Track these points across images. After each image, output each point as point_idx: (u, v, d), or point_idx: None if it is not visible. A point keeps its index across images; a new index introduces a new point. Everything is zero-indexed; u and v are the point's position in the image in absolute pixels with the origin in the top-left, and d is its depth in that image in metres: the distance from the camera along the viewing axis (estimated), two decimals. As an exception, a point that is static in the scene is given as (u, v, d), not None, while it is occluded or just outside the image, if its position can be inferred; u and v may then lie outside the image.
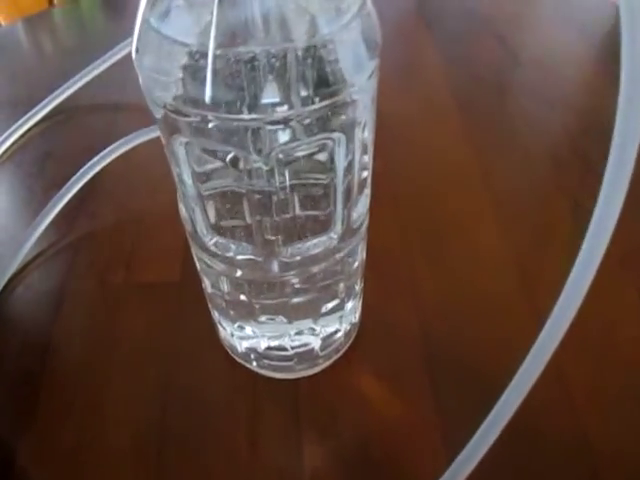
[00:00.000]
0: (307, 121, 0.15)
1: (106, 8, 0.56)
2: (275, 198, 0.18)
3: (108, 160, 0.36)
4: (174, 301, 0.30)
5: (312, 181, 0.19)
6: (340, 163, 0.18)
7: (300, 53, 0.14)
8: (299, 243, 0.20)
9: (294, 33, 0.14)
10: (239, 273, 0.21)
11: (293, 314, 0.23)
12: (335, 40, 0.15)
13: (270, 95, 0.14)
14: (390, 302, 0.29)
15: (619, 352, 0.27)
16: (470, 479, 0.18)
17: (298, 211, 0.19)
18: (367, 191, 0.22)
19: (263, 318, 0.23)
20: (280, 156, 0.16)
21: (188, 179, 0.19)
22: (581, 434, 0.24)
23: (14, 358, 0.28)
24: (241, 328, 0.24)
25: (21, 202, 0.36)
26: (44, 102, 0.40)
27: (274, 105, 0.14)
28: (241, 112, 0.14)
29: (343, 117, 0.16)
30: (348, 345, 0.27)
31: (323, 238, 0.20)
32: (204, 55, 0.14)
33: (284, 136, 0.15)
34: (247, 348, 0.25)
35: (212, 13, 0.13)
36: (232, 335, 0.25)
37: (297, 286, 0.22)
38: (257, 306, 0.22)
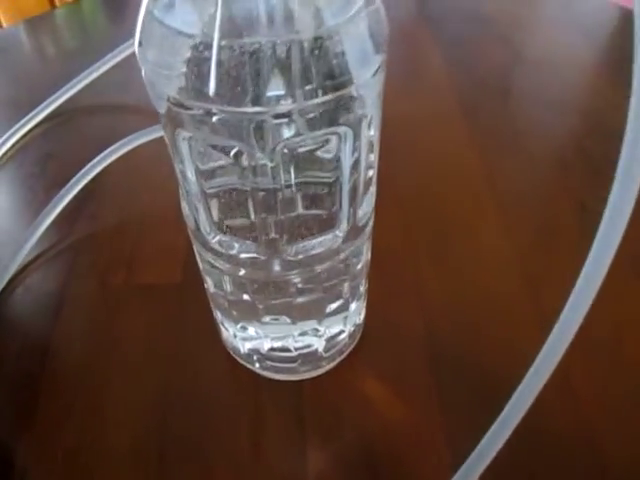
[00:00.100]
0: (311, 115, 0.15)
1: (107, 10, 0.56)
2: (280, 196, 0.18)
3: (109, 161, 0.36)
4: (175, 302, 0.29)
5: (318, 179, 0.19)
6: (346, 160, 0.18)
7: (305, 45, 0.14)
8: (304, 241, 0.19)
9: (299, 25, 0.14)
10: (242, 272, 0.20)
11: (297, 315, 0.22)
12: (341, 33, 0.14)
13: (274, 88, 0.14)
14: (394, 303, 0.29)
15: (627, 354, 0.27)
16: (477, 482, 0.17)
17: (303, 210, 0.19)
18: (373, 189, 0.21)
19: (267, 319, 0.22)
20: (285, 151, 0.16)
21: (192, 176, 0.18)
22: (589, 437, 0.24)
23: (14, 360, 0.27)
24: (244, 329, 0.24)
25: (22, 202, 0.36)
26: (45, 103, 0.40)
27: (278, 98, 0.14)
28: (245, 105, 0.14)
29: (348, 112, 0.16)
30: (352, 347, 0.27)
31: (328, 236, 0.20)
32: (208, 46, 0.13)
33: (289, 130, 0.15)
34: (250, 349, 0.25)
35: (217, 4, 0.13)
36: (235, 336, 0.25)
37: (301, 286, 0.21)
38: (260, 306, 0.22)
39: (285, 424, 0.25)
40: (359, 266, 0.23)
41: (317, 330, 0.24)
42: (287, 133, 0.15)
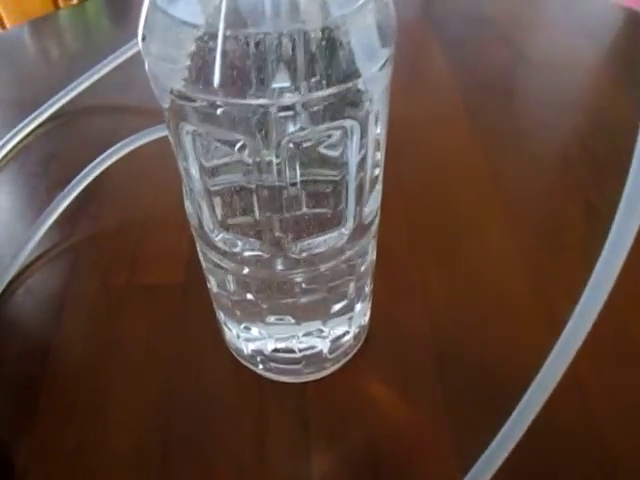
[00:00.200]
0: (316, 108, 0.14)
1: (111, 12, 0.56)
2: (285, 194, 0.18)
3: (111, 161, 0.35)
4: (178, 303, 0.29)
5: (324, 177, 0.18)
6: (353, 158, 0.18)
7: (311, 36, 0.13)
8: (308, 239, 0.19)
9: (305, 15, 0.13)
10: (246, 271, 0.20)
11: (301, 315, 0.22)
12: (347, 24, 0.14)
13: (279, 79, 0.13)
14: (400, 304, 0.29)
15: (637, 353, 0.26)
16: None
17: (308, 208, 0.19)
18: (379, 187, 0.21)
19: (270, 319, 0.22)
20: (290, 146, 0.15)
21: (195, 173, 0.18)
22: (598, 440, 0.23)
23: (15, 361, 0.27)
24: (247, 329, 0.23)
25: (24, 202, 0.36)
26: (48, 103, 0.40)
27: (283, 90, 0.14)
28: (249, 97, 0.13)
29: (355, 107, 0.16)
30: (357, 348, 0.26)
31: (334, 234, 0.19)
32: (213, 37, 0.13)
33: (294, 124, 0.15)
34: (253, 350, 0.25)
35: (222, -6, 0.13)
36: (238, 337, 0.24)
37: (305, 286, 0.21)
38: (264, 306, 0.22)
39: (289, 427, 0.24)
40: (364, 266, 0.23)
41: (321, 331, 0.23)
42: (292, 127, 0.15)
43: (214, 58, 0.13)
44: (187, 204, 0.21)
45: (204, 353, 0.27)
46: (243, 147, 0.16)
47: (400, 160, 0.36)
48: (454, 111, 0.41)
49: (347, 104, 0.15)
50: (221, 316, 0.25)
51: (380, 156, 0.20)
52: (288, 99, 0.14)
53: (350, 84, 0.15)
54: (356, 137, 0.17)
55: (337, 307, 0.23)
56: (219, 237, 0.19)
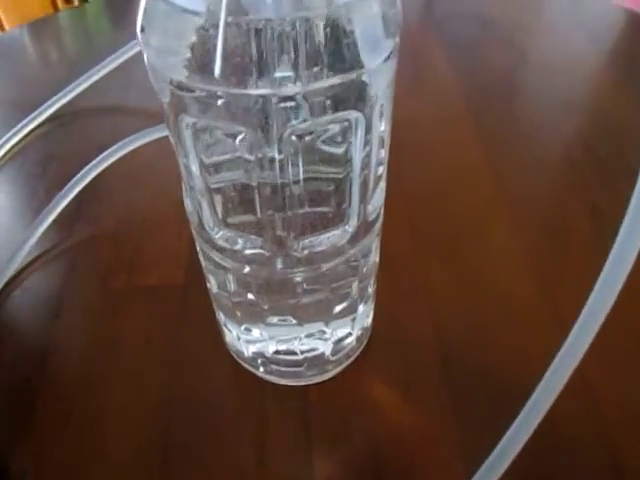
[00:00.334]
0: (319, 99, 0.14)
1: (111, 14, 0.56)
2: (288, 192, 0.17)
3: (110, 161, 0.35)
4: (178, 305, 0.29)
5: (327, 175, 0.18)
6: (357, 154, 0.17)
7: (314, 24, 0.13)
8: (311, 237, 0.18)
9: (309, 2, 0.13)
10: (247, 269, 0.19)
11: (304, 316, 0.22)
12: (351, 12, 0.14)
13: (280, 69, 0.13)
14: (403, 306, 0.28)
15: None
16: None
17: (311, 206, 0.18)
18: (382, 185, 0.21)
19: (273, 319, 0.22)
20: (293, 139, 0.15)
21: (196, 170, 0.18)
22: (609, 446, 0.23)
23: (10, 364, 0.27)
24: (248, 331, 0.23)
25: (23, 203, 0.35)
26: (47, 104, 0.39)
27: (284, 79, 0.13)
28: (250, 86, 0.13)
29: (358, 99, 0.15)
30: (360, 350, 0.26)
31: (337, 232, 0.19)
32: (214, 25, 0.13)
33: (296, 115, 0.14)
34: (254, 353, 0.24)
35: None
36: (238, 339, 0.24)
37: (307, 286, 0.20)
38: (265, 307, 0.21)
39: (290, 431, 0.24)
40: (367, 266, 0.22)
41: (324, 332, 0.23)
42: (294, 118, 0.14)
43: (215, 47, 0.13)
44: (187, 202, 0.20)
45: (204, 356, 0.26)
46: (244, 141, 0.15)
47: (403, 162, 0.36)
48: (456, 113, 0.41)
49: (351, 96, 0.15)
50: (221, 318, 0.24)
51: (384, 154, 0.20)
52: (289, 89, 0.13)
53: (354, 75, 0.14)
54: (360, 131, 0.16)
55: (340, 308, 0.22)
56: (219, 235, 0.19)
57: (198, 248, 0.21)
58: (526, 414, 0.16)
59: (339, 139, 0.17)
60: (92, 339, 0.28)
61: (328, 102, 0.14)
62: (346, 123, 0.16)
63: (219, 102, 0.14)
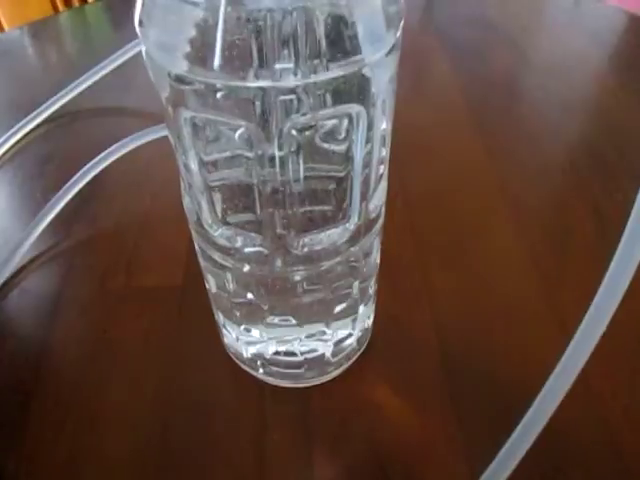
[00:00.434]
0: (320, 92, 0.14)
1: (111, 14, 0.56)
2: (288, 190, 0.17)
3: (108, 162, 0.35)
4: (176, 306, 0.28)
5: (328, 173, 0.18)
6: (358, 151, 0.17)
7: (316, 14, 0.13)
8: (311, 235, 0.18)
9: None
10: (247, 268, 0.19)
11: (304, 316, 0.21)
12: (352, 3, 0.13)
13: (280, 60, 0.13)
14: (404, 307, 0.28)
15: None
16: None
17: (312, 205, 0.18)
18: (384, 183, 0.20)
19: (274, 320, 0.21)
20: (293, 133, 0.15)
21: (194, 167, 0.17)
22: (616, 451, 0.23)
23: (6, 365, 0.26)
24: (247, 331, 0.23)
25: (21, 204, 0.35)
26: (46, 105, 0.39)
27: (284, 71, 0.13)
28: (249, 78, 0.13)
29: (360, 93, 0.15)
30: (360, 352, 0.26)
31: (338, 229, 0.19)
32: (213, 15, 0.12)
33: (296, 109, 0.14)
34: (253, 354, 0.24)
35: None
36: (237, 340, 0.24)
37: (308, 285, 0.20)
38: (265, 307, 0.21)
39: (290, 434, 0.23)
40: (368, 267, 0.22)
41: (324, 333, 0.22)
42: (294, 112, 0.14)
43: (214, 38, 0.12)
44: (186, 200, 0.20)
45: (202, 358, 0.26)
46: (244, 135, 0.15)
47: (404, 163, 0.35)
48: (458, 115, 0.41)
49: (352, 90, 0.15)
50: (220, 319, 0.24)
51: (385, 153, 0.19)
52: (289, 81, 0.13)
53: (355, 68, 0.14)
54: (362, 127, 0.16)
55: (340, 308, 0.22)
56: (218, 232, 0.19)
57: (197, 247, 0.21)
58: (529, 419, 0.16)
59: (340, 136, 0.16)
60: (89, 340, 0.27)
61: (330, 96, 0.14)
62: (347, 119, 0.16)
63: (218, 95, 0.13)
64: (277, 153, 0.16)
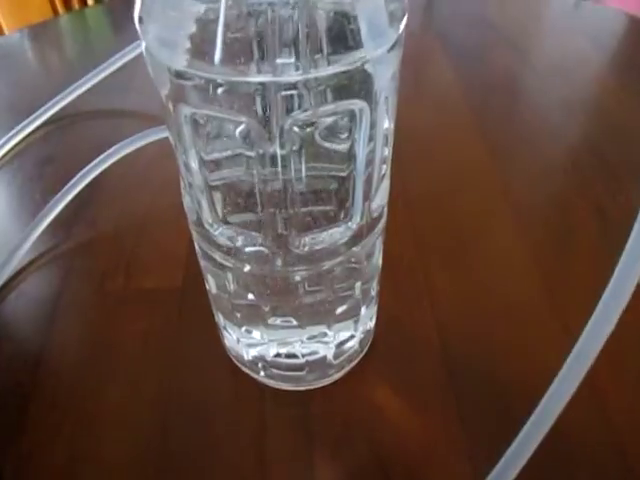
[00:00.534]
0: (321, 87, 0.13)
1: (111, 17, 0.56)
2: (290, 190, 0.17)
3: (107, 164, 0.35)
4: (175, 308, 0.28)
5: (330, 173, 0.17)
6: (361, 150, 0.17)
7: (317, 8, 0.12)
8: (313, 234, 0.18)
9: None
10: (247, 268, 0.19)
11: (305, 317, 0.21)
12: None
13: (281, 55, 0.13)
14: (406, 309, 0.28)
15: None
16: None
17: (314, 204, 0.18)
18: (386, 183, 0.20)
19: (275, 321, 0.21)
20: (295, 129, 0.14)
21: (195, 166, 0.17)
22: (620, 452, 0.22)
23: (4, 368, 0.26)
24: (248, 333, 0.22)
25: (20, 206, 0.35)
26: (45, 107, 0.39)
27: (285, 66, 0.13)
28: (250, 74, 0.13)
29: (362, 89, 0.15)
30: (362, 354, 0.25)
31: (340, 228, 0.18)
32: (214, 10, 0.12)
33: (297, 104, 0.14)
34: (254, 356, 0.23)
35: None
36: (238, 342, 0.23)
37: (309, 286, 0.20)
38: (266, 308, 0.21)
39: (291, 437, 0.23)
40: (370, 268, 0.22)
41: (326, 334, 0.22)
42: (296, 108, 0.14)
43: (215, 32, 0.12)
44: (186, 199, 0.20)
45: (203, 360, 0.26)
46: (244, 132, 0.15)
47: (406, 164, 0.35)
48: (459, 116, 0.41)
49: (354, 86, 0.14)
50: (220, 320, 0.24)
51: (388, 152, 0.19)
52: (291, 76, 0.13)
53: (357, 63, 0.14)
54: (365, 124, 0.16)
55: (342, 310, 0.22)
56: (218, 232, 0.18)
57: (197, 247, 0.21)
58: (534, 422, 0.16)
59: (343, 135, 0.16)
60: (89, 343, 0.27)
61: (331, 92, 0.14)
62: (350, 116, 0.15)
63: (219, 90, 0.13)
64: (279, 152, 0.15)
